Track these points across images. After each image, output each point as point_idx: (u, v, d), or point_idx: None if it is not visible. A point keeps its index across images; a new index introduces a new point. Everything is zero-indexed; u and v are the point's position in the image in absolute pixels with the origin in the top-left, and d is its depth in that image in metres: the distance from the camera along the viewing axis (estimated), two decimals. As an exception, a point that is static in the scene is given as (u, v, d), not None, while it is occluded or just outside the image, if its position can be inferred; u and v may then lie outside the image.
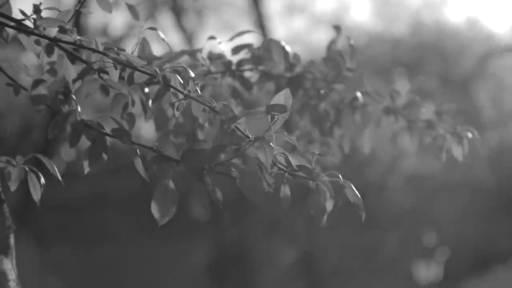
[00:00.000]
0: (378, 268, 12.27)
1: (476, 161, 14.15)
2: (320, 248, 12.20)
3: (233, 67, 2.03)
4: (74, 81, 1.69)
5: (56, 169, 1.77)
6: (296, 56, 2.08)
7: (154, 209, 1.48)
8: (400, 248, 12.03)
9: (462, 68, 14.40)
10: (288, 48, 2.07)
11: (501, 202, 13.50)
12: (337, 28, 2.19)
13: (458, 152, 2.19)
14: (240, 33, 2.09)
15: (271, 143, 1.45)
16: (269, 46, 2.04)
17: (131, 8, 1.91)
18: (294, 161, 1.50)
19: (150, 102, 1.70)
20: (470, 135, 2.19)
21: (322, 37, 14.75)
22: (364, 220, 1.69)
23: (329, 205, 1.54)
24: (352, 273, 12.56)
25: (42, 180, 1.79)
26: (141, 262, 11.86)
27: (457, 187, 13.53)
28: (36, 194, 1.77)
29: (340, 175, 1.55)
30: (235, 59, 2.10)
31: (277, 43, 2.04)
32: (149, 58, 1.85)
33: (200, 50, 2.02)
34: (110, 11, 1.89)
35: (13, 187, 1.76)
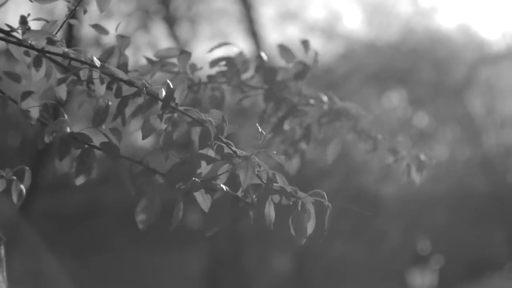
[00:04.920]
0: (372, 275, 12.28)
1: (469, 168, 14.18)
2: (314, 255, 12.21)
3: (206, 80, 2.06)
4: (57, 84, 1.70)
5: (27, 183, 1.78)
6: (271, 69, 2.10)
7: (138, 217, 1.53)
8: (394, 255, 12.05)
9: (454, 75, 14.44)
10: (265, 58, 2.10)
11: (494, 209, 13.53)
12: (305, 44, 2.23)
13: (416, 176, 2.25)
14: (220, 45, 2.11)
15: (255, 166, 1.47)
16: (243, 58, 2.07)
17: (96, 26, 1.91)
18: (279, 180, 1.51)
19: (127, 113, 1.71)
20: (426, 159, 2.25)
21: (315, 44, 14.74)
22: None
23: (311, 226, 1.54)
24: (346, 280, 12.57)
25: (23, 189, 1.80)
26: (136, 271, 11.85)
27: (450, 194, 13.56)
28: (17, 200, 1.78)
29: (325, 195, 1.54)
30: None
31: (246, 56, 2.08)
32: (125, 68, 1.86)
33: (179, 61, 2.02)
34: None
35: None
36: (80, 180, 1.63)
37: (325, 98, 2.18)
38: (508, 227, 13.45)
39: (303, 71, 2.13)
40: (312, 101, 2.15)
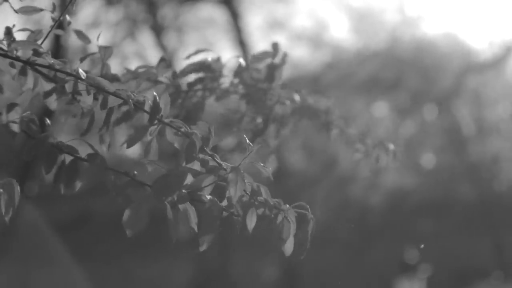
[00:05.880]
0: (359, 284, 12.26)
1: (456, 176, 14.21)
2: (302, 264, 12.19)
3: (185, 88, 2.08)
4: (45, 97, 1.70)
5: (16, 197, 1.77)
6: (246, 71, 2.14)
7: (126, 224, 1.51)
8: (381, 264, 12.05)
9: (441, 83, 14.47)
10: (243, 63, 2.13)
11: (481, 217, 13.55)
12: (275, 46, 2.28)
13: (384, 160, 2.36)
14: (198, 51, 2.13)
15: (244, 178, 1.47)
16: (219, 64, 2.10)
17: (78, 33, 1.92)
18: (263, 192, 1.51)
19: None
20: (392, 147, 2.37)
21: (302, 53, 14.79)
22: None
23: (291, 239, 1.54)
24: (334, 289, 12.55)
25: (15, 201, 1.79)
26: (124, 281, 11.81)
27: (437, 202, 13.58)
28: (6, 213, 1.77)
29: (308, 207, 1.54)
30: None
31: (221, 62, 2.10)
32: (109, 78, 1.85)
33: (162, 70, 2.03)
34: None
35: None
36: (68, 191, 1.62)
37: (297, 97, 2.23)
38: (496, 235, 13.48)
39: (272, 72, 2.17)
40: (287, 102, 2.19)
